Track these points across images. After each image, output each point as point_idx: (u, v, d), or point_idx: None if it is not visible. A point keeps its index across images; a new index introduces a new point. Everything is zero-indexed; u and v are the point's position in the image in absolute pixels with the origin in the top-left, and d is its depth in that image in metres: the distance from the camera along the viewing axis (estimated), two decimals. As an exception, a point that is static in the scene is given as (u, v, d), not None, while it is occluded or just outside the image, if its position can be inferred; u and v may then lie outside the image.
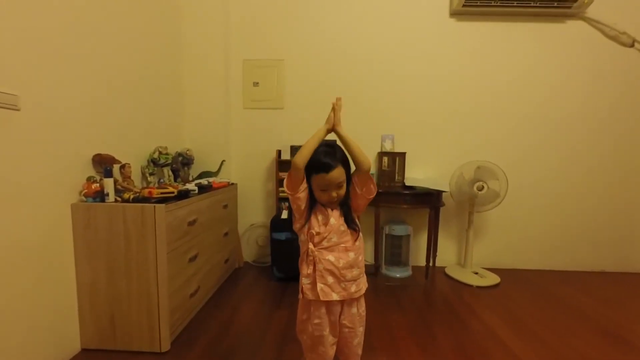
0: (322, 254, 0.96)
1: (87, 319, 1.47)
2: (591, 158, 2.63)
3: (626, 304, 2.07)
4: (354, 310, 1.02)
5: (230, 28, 2.61)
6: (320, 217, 0.98)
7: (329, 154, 0.95)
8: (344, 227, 0.98)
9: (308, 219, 0.99)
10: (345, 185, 0.97)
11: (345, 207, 1.01)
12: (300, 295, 1.01)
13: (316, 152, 0.95)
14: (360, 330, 1.04)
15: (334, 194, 0.95)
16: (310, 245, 0.97)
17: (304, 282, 0.99)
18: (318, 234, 0.97)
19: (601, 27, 2.51)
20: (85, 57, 1.50)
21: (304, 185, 0.95)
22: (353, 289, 0.98)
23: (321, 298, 0.95)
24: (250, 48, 2.65)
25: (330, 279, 0.96)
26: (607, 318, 1.87)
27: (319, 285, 0.95)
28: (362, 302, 1.05)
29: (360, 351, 1.06)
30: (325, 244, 0.97)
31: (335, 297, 0.96)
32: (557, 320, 1.83)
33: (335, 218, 0.98)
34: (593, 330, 1.73)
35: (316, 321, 0.99)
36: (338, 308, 1.00)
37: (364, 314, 1.05)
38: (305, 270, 0.99)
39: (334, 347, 1.04)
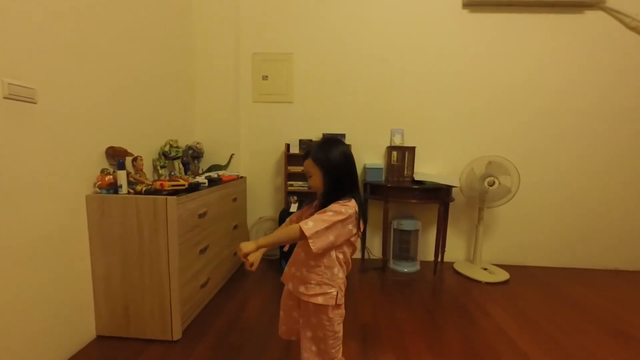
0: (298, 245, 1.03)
1: (102, 307, 1.51)
2: (607, 155, 2.56)
3: (637, 302, 2.03)
4: (310, 306, 0.98)
5: (239, 21, 2.60)
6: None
7: (311, 147, 1.03)
8: None
9: None
10: (315, 178, 0.99)
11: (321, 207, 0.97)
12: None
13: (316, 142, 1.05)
14: (311, 332, 1.00)
15: (309, 181, 1.02)
16: None
17: None
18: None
19: (622, 17, 2.42)
20: (99, 53, 1.52)
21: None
22: (301, 289, 0.99)
23: (281, 279, 1.08)
24: (260, 41, 2.64)
25: (292, 268, 1.04)
26: (618, 317, 1.83)
27: (287, 268, 1.07)
28: (321, 313, 0.97)
29: (314, 348, 1.00)
30: None
31: (289, 285, 1.04)
32: (567, 319, 1.81)
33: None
34: (604, 330, 1.70)
35: (285, 287, 1.09)
36: (292, 297, 1.06)
37: (318, 324, 0.98)
38: None
39: (294, 326, 1.09)
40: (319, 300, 0.96)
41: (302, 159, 1.03)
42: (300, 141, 2.55)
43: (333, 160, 0.97)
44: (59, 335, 1.34)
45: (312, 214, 0.97)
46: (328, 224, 0.89)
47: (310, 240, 0.88)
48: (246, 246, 0.93)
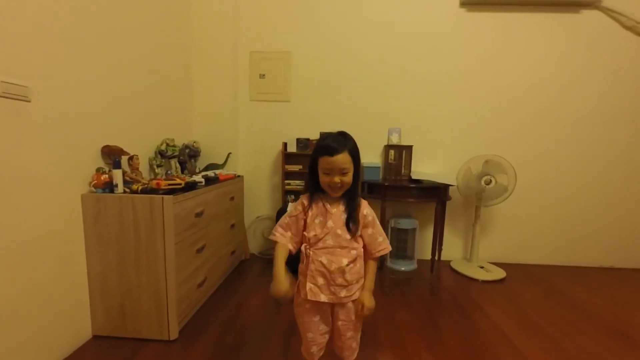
0: (316, 255, 0.96)
1: (98, 306, 1.50)
2: (603, 154, 2.57)
3: (635, 301, 2.05)
4: (349, 305, 1.01)
5: (238, 19, 2.59)
6: (318, 220, 0.97)
7: (337, 140, 0.94)
8: (341, 230, 0.96)
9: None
10: (351, 174, 0.94)
11: (350, 208, 0.98)
12: (295, 289, 1.02)
13: (326, 137, 0.95)
14: (352, 330, 1.03)
15: (337, 179, 0.92)
16: (304, 246, 0.99)
17: (300, 278, 1.01)
18: (314, 236, 0.97)
19: (618, 16, 2.43)
20: (95, 50, 1.50)
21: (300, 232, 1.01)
22: (343, 294, 0.97)
23: (309, 297, 0.97)
24: (257, 40, 2.62)
25: (320, 280, 0.97)
26: (614, 316, 1.85)
27: (308, 285, 0.97)
28: (358, 304, 1.01)
29: (355, 344, 1.05)
30: (320, 244, 0.96)
31: (323, 298, 0.97)
32: (563, 317, 1.82)
33: (334, 220, 0.96)
34: (600, 327, 1.72)
35: (307, 306, 1.01)
36: (329, 306, 1.01)
37: (357, 316, 1.02)
38: (302, 268, 1.01)
39: (326, 336, 1.05)
40: (357, 294, 1.00)
41: (327, 154, 0.92)
42: (298, 140, 2.55)
43: (358, 152, 0.97)
44: (54, 335, 1.33)
45: (315, 215, 0.96)
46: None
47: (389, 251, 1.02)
48: (370, 301, 0.98)
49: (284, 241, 0.99)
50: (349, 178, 0.94)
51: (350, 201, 0.98)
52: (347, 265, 0.96)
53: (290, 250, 1.00)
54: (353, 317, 1.01)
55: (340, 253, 0.96)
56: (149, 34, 1.96)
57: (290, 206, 2.42)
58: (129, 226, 1.45)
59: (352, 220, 0.96)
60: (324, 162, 0.93)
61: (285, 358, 1.41)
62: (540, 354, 1.47)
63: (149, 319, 1.50)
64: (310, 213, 0.98)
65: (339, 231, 0.96)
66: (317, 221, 0.97)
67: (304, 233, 0.98)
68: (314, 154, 0.96)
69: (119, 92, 1.68)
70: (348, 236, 0.97)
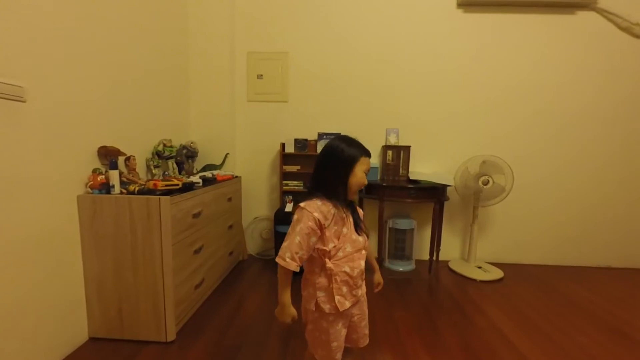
0: (338, 266, 0.93)
1: (94, 308, 1.49)
2: (600, 154, 2.59)
3: (632, 300, 2.06)
4: (363, 301, 1.05)
5: (235, 19, 2.58)
6: (333, 230, 0.93)
7: (357, 143, 0.99)
8: (355, 235, 0.97)
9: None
10: None
11: (355, 213, 1.01)
12: (313, 308, 0.97)
13: (350, 139, 0.98)
14: (366, 311, 1.08)
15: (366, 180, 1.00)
16: (327, 261, 0.94)
17: (319, 295, 0.95)
18: (334, 247, 0.94)
19: (613, 18, 2.45)
20: (91, 51, 1.49)
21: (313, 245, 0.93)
22: (359, 292, 1.01)
23: (340, 310, 0.93)
24: (255, 40, 2.62)
25: (344, 289, 0.95)
26: (612, 314, 1.86)
27: (337, 298, 0.93)
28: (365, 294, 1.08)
29: (367, 331, 1.09)
30: (340, 254, 0.94)
31: (348, 305, 0.96)
32: (561, 316, 1.83)
33: (347, 226, 0.96)
34: (598, 327, 1.72)
35: (331, 318, 0.97)
36: (349, 310, 1.00)
37: (365, 296, 1.08)
38: (321, 283, 0.95)
39: (344, 337, 1.04)
40: (364, 286, 1.04)
41: (368, 156, 0.97)
42: (296, 140, 2.54)
43: None
44: (50, 337, 1.32)
45: (341, 219, 0.94)
46: None
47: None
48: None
49: (295, 266, 0.91)
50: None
51: (350, 203, 1.01)
52: (364, 266, 0.99)
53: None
54: (364, 307, 1.05)
55: (358, 257, 0.97)
56: (146, 33, 1.95)
57: (288, 207, 2.42)
58: (126, 227, 1.44)
59: (359, 222, 1.00)
60: (365, 162, 0.96)
61: (284, 359, 1.41)
62: (539, 353, 1.48)
63: (146, 320, 1.49)
64: (326, 225, 0.92)
65: (353, 236, 0.96)
66: (332, 231, 0.93)
67: (323, 248, 0.93)
68: (351, 155, 0.94)
69: (115, 92, 1.67)
70: (361, 238, 0.99)
